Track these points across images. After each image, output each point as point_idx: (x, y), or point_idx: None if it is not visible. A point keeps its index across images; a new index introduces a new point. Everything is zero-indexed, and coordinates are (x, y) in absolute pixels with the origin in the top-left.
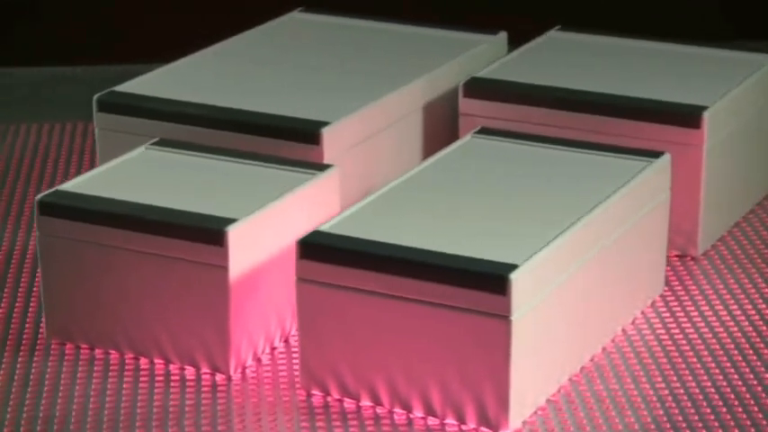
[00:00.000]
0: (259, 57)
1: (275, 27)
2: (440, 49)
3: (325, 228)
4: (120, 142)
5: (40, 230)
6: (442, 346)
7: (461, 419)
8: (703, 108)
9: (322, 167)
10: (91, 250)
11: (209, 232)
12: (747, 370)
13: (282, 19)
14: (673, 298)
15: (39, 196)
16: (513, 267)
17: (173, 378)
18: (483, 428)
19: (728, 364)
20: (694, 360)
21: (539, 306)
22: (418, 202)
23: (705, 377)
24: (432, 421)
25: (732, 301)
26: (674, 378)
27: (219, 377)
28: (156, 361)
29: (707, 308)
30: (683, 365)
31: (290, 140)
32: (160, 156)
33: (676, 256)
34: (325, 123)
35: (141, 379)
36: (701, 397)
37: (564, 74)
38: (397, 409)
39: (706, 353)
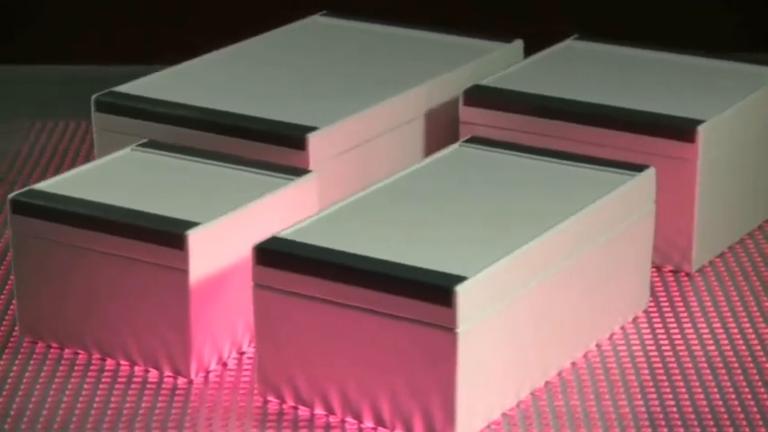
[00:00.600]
0: (267, 60)
1: (292, 30)
2: (452, 55)
3: (283, 234)
4: (117, 142)
5: (12, 229)
6: (391, 357)
7: (410, 431)
8: (699, 122)
9: (300, 173)
10: (59, 250)
11: (169, 235)
12: (715, 390)
13: (303, 22)
14: (656, 314)
15: (11, 195)
16: (461, 279)
17: (135, 380)
18: None
19: (697, 384)
20: (663, 378)
21: (491, 318)
22: (386, 211)
23: (670, 396)
24: (383, 431)
25: (716, 320)
26: (639, 396)
27: (181, 380)
28: (121, 362)
29: (689, 325)
30: (651, 383)
31: (277, 145)
32: (144, 157)
33: (671, 271)
34: (313, 128)
35: (103, 380)
36: (660, 416)
37: (568, 84)
38: (350, 419)
39: (677, 371)
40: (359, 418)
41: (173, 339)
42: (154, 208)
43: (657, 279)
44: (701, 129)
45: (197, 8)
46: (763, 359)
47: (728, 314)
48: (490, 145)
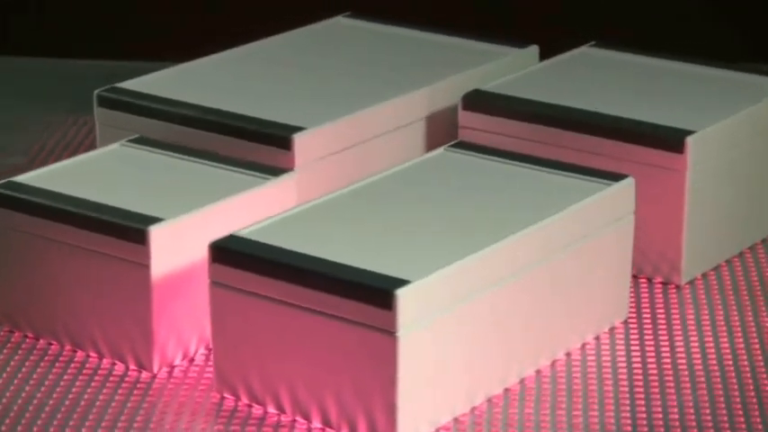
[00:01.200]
0: (279, 59)
1: (312, 31)
2: (463, 59)
3: (241, 233)
4: (117, 138)
5: None
6: (337, 359)
7: None
8: (688, 132)
9: (278, 172)
10: (31, 241)
11: (132, 230)
12: (674, 405)
13: (326, 23)
14: (635, 325)
15: None
16: (404, 283)
17: (99, 372)
18: None
19: (657, 399)
20: (625, 390)
21: (437, 323)
22: (351, 214)
23: (627, 409)
24: None
25: (694, 334)
26: (595, 407)
27: (145, 375)
28: (90, 354)
29: (665, 338)
30: (611, 395)
31: (264, 144)
32: (131, 153)
33: (660, 282)
34: (299, 129)
35: (69, 371)
36: (613, 429)
37: (568, 91)
38: (299, 419)
39: (641, 384)
40: (308, 418)
41: (136, 333)
42: (124, 203)
43: (645, 290)
44: (689, 140)
45: (227, 7)
46: (732, 375)
47: (708, 328)
48: (475, 150)
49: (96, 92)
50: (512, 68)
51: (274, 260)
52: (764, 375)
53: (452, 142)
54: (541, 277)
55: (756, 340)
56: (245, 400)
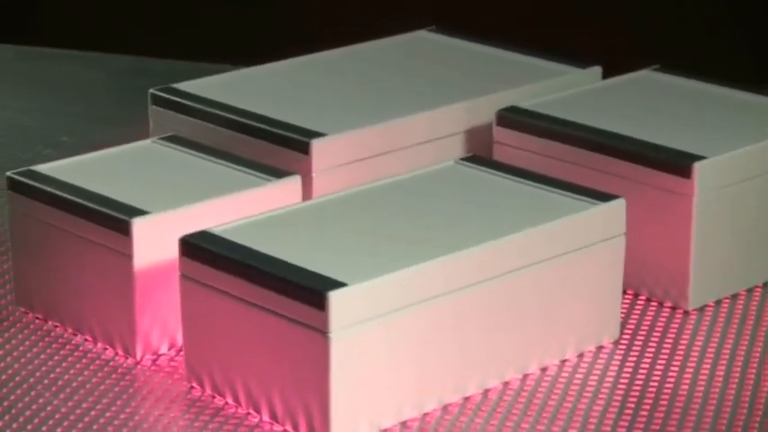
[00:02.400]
0: (341, 69)
1: (390, 43)
2: (520, 76)
3: (214, 229)
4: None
5: (9, 204)
6: (281, 355)
7: (296, 429)
8: (699, 158)
9: (282, 175)
10: (38, 226)
11: (117, 221)
12: (640, 426)
13: (407, 36)
14: (624, 345)
15: (9, 173)
16: (339, 285)
17: (89, 355)
18: None
19: (609, 422)
20: (582, 408)
21: (378, 327)
22: (330, 218)
23: (576, 427)
24: (277, 428)
25: (678, 358)
26: (545, 422)
27: (130, 361)
28: (87, 338)
29: (647, 361)
30: (565, 412)
31: (286, 147)
32: (157, 149)
33: (670, 307)
34: (320, 134)
35: (61, 352)
36: None
37: (603, 113)
38: (252, 412)
39: (601, 404)
40: (259, 411)
41: (121, 321)
42: (122, 195)
43: (651, 313)
44: (697, 165)
45: (321, 18)
46: (711, 407)
47: (695, 355)
48: (485, 165)
49: (150, 90)
50: (567, 87)
51: (231, 257)
52: (743, 410)
53: (465, 156)
54: (508, 290)
55: (738, 371)
56: (208, 391)
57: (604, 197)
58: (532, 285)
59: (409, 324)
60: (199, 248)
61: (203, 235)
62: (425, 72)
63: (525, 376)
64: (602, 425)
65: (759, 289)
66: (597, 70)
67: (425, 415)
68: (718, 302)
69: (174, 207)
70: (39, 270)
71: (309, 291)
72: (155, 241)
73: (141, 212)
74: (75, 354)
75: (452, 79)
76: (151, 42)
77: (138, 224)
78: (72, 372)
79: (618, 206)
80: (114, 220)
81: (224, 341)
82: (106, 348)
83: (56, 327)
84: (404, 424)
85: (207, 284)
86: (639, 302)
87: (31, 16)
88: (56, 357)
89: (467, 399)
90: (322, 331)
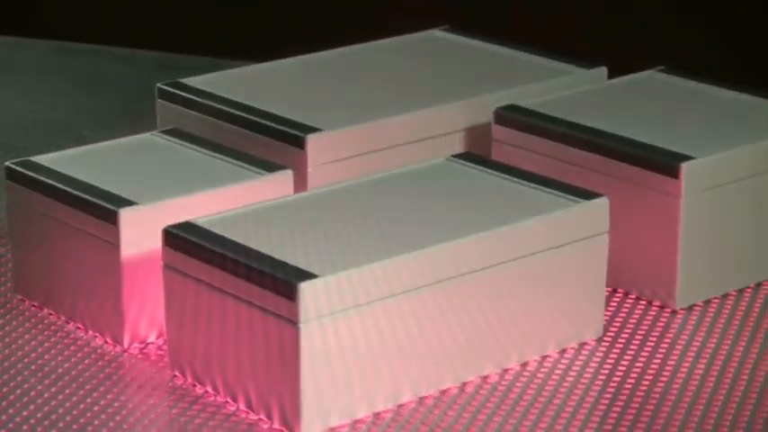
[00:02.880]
0: (349, 66)
1: (401, 41)
2: (525, 76)
3: (197, 221)
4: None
5: (7, 193)
6: (256, 345)
7: (270, 418)
8: (687, 158)
9: (274, 169)
10: (33, 215)
11: (105, 210)
12: (611, 421)
13: (419, 35)
14: (607, 343)
15: (7, 162)
16: (310, 276)
17: (78, 342)
18: (285, 429)
19: (581, 417)
20: (555, 406)
21: (349, 318)
22: (315, 211)
23: (545, 425)
24: (252, 416)
25: (660, 356)
26: (513, 420)
27: (118, 348)
28: (79, 326)
29: (628, 358)
30: (537, 409)
31: (283, 142)
32: (156, 142)
33: (658, 306)
34: (316, 130)
35: (51, 339)
36: None
37: (600, 113)
38: (230, 400)
39: (573, 401)
40: (236, 400)
41: (109, 310)
42: (114, 186)
43: (639, 312)
44: (684, 166)
45: (335, 16)
46: (670, 401)
47: (677, 353)
48: (476, 162)
49: (157, 85)
50: (572, 87)
51: (209, 247)
52: (716, 407)
53: (458, 153)
54: (486, 285)
55: (717, 370)
56: (190, 380)
57: (588, 195)
58: (512, 281)
59: (382, 316)
60: (180, 239)
61: (186, 226)
62: (431, 70)
63: (505, 371)
64: (574, 419)
65: (750, 290)
66: (603, 71)
67: (400, 407)
68: (707, 302)
69: (164, 198)
70: (34, 259)
71: (281, 281)
72: (142, 231)
73: (129, 203)
74: (65, 341)
75: (457, 77)
76: (180, 39)
77: (125, 214)
78: (60, 358)
79: (601, 205)
80: (103, 209)
81: (204, 331)
82: (96, 336)
83: (50, 314)
84: (377, 415)
85: (188, 274)
86: (628, 301)
87: (61, 13)
88: (46, 344)
89: (443, 392)
90: (292, 321)
